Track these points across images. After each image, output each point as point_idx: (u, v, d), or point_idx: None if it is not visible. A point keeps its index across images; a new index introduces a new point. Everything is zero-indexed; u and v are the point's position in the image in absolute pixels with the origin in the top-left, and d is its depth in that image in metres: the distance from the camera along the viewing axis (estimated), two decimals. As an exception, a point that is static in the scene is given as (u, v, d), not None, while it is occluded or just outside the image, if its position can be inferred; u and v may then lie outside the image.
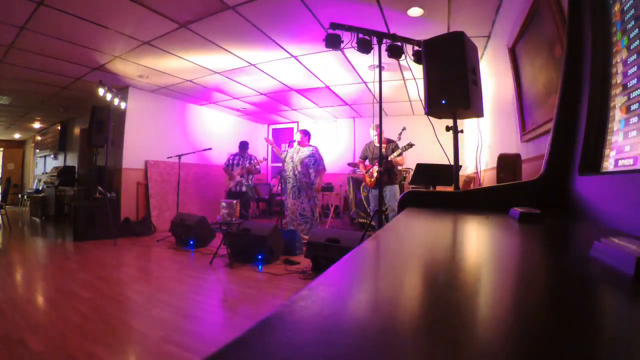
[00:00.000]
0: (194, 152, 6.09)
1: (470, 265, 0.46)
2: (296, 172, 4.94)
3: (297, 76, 5.31)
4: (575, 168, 0.81)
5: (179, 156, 5.68)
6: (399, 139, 4.42)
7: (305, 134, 5.12)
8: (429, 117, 2.18)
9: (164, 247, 4.60)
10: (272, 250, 3.73)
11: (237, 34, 3.82)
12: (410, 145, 4.01)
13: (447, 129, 2.19)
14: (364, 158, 4.59)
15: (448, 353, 0.19)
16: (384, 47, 3.02)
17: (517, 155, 2.18)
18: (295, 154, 5.01)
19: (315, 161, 4.89)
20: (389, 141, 4.37)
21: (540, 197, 0.92)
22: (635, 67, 0.62)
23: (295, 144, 5.08)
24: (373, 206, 4.47)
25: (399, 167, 4.46)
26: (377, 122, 4.43)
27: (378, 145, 4.37)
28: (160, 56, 4.47)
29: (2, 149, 12.18)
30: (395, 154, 4.15)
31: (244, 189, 5.88)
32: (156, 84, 5.74)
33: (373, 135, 4.43)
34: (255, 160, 6.03)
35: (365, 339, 0.20)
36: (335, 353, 0.18)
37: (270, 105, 7.32)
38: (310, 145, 5.06)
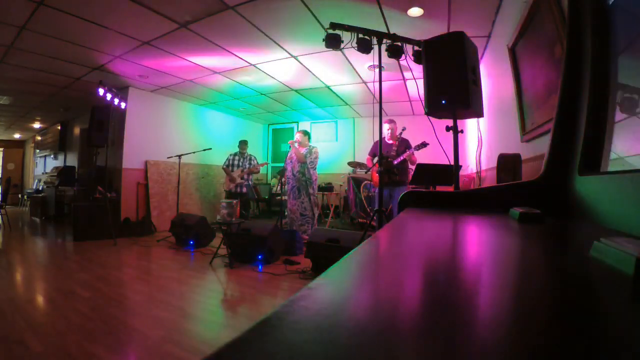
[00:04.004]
0: (194, 152, 6.09)
1: (470, 265, 0.46)
2: (295, 172, 4.94)
3: (297, 76, 5.31)
4: (575, 168, 0.81)
5: (179, 156, 5.68)
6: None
7: (305, 134, 5.11)
8: (429, 117, 2.18)
9: (164, 247, 4.60)
10: (272, 250, 3.73)
11: (237, 34, 3.82)
12: (424, 144, 3.91)
13: (447, 129, 2.19)
14: (373, 155, 4.44)
15: (448, 353, 0.19)
16: (384, 47, 3.02)
17: (517, 155, 2.18)
18: (294, 154, 5.01)
19: (312, 160, 4.92)
20: (402, 140, 4.32)
21: (540, 197, 0.92)
22: (635, 67, 0.62)
23: (295, 144, 5.07)
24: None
25: (411, 167, 4.37)
26: (389, 119, 4.40)
27: (389, 142, 4.33)
28: (160, 56, 4.47)
29: (2, 149, 12.18)
30: (406, 155, 4.09)
31: (244, 190, 5.88)
32: (156, 84, 5.74)
33: (386, 129, 4.30)
34: (255, 161, 6.03)
35: (365, 339, 0.20)
36: (335, 353, 0.18)
37: (270, 105, 7.32)
38: (310, 145, 5.07)
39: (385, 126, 4.31)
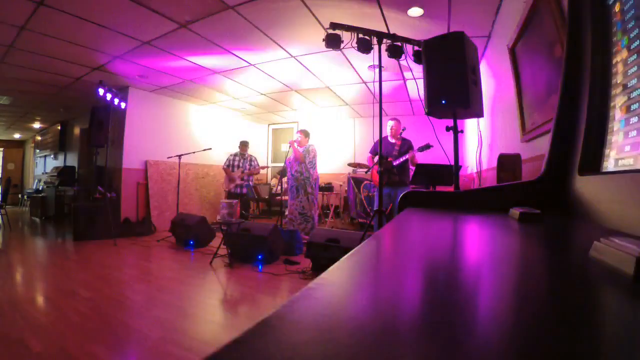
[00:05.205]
0: (194, 152, 6.09)
1: (470, 266, 0.46)
2: (293, 172, 4.94)
3: (297, 76, 5.31)
4: (575, 168, 0.81)
5: (179, 156, 5.68)
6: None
7: (305, 134, 5.10)
8: (429, 117, 2.18)
9: (164, 247, 4.60)
10: (272, 250, 3.73)
11: (237, 34, 3.81)
12: (428, 146, 3.86)
13: (447, 129, 2.19)
14: (374, 153, 4.37)
15: (448, 353, 0.19)
16: (384, 47, 3.02)
17: (517, 155, 2.18)
18: (293, 155, 5.01)
19: (310, 160, 4.91)
20: (404, 140, 4.31)
21: (540, 197, 0.92)
22: (635, 67, 0.62)
23: (295, 144, 5.07)
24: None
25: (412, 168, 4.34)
26: (395, 118, 4.38)
27: (392, 141, 4.31)
28: (160, 56, 4.47)
29: (2, 149, 12.18)
30: (408, 155, 4.07)
31: (244, 190, 5.88)
32: (156, 84, 5.74)
33: (390, 126, 4.26)
34: (256, 162, 6.04)
35: (365, 339, 0.20)
36: (335, 353, 0.18)
37: (270, 105, 7.32)
38: (309, 145, 5.06)
39: (390, 123, 4.28)
